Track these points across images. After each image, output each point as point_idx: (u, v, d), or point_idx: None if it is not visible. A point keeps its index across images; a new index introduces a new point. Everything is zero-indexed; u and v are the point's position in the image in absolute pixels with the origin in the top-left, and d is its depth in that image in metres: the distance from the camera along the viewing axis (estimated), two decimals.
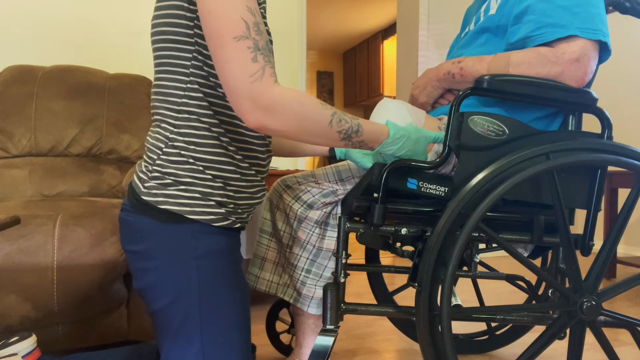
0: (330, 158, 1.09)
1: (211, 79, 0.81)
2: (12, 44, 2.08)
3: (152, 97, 0.86)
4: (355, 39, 6.63)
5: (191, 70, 0.80)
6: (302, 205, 1.13)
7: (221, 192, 0.83)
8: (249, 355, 0.86)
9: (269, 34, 0.87)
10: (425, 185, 0.91)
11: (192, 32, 0.79)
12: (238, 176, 0.86)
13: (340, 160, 1.09)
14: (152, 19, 0.83)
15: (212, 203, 0.82)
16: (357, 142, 0.83)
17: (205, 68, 0.81)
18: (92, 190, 1.71)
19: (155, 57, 0.84)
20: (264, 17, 0.87)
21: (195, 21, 0.79)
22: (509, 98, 0.93)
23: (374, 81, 6.39)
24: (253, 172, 0.89)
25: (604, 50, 0.98)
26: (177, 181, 0.81)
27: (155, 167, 0.83)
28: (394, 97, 5.17)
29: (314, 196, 1.12)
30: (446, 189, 0.91)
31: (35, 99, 1.72)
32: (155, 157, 0.83)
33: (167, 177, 0.81)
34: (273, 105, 0.72)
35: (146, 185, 0.83)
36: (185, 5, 0.78)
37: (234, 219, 0.86)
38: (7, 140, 1.69)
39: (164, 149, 0.82)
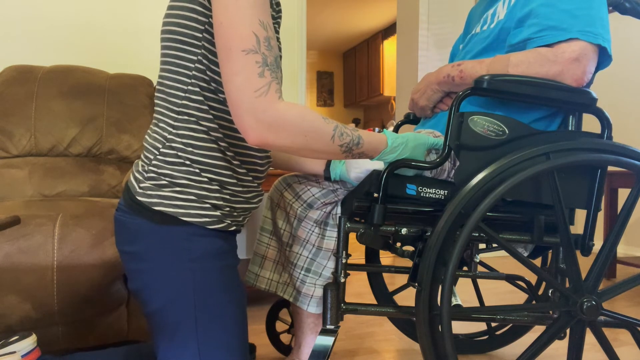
0: (326, 178, 1.09)
1: (213, 83, 0.81)
2: (12, 44, 2.08)
3: (155, 94, 0.86)
4: (355, 39, 6.63)
5: (194, 72, 0.80)
6: (302, 204, 1.13)
7: (217, 195, 0.83)
8: (247, 356, 0.86)
9: (280, 50, 0.86)
10: (425, 189, 0.91)
11: (201, 35, 0.79)
12: (234, 181, 0.85)
13: (336, 180, 1.10)
14: (164, 17, 0.83)
15: (208, 205, 0.82)
16: (357, 154, 0.83)
17: (208, 72, 0.81)
18: (92, 190, 1.71)
19: (162, 56, 0.84)
20: (277, 32, 0.86)
21: (207, 26, 0.79)
22: (508, 98, 0.93)
23: (374, 81, 6.38)
24: (250, 178, 0.89)
25: (604, 56, 0.98)
26: (172, 182, 0.81)
27: (151, 168, 0.82)
28: (394, 98, 5.16)
29: (314, 195, 1.12)
30: (445, 192, 0.91)
31: (35, 99, 1.72)
32: (152, 157, 0.83)
33: (162, 178, 0.81)
34: (276, 121, 0.72)
35: (141, 185, 0.82)
36: (199, 9, 0.78)
37: (229, 221, 0.86)
38: (7, 140, 1.69)
39: (161, 149, 0.82)
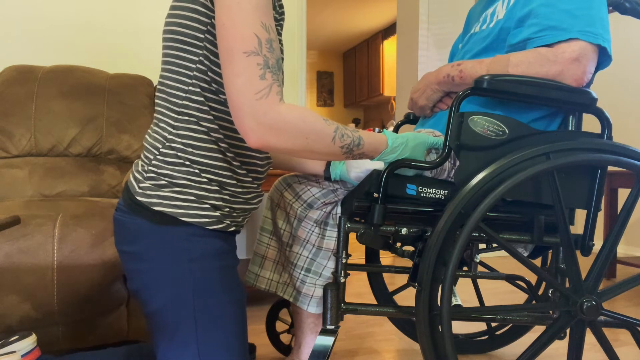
0: (326, 178, 1.09)
1: (214, 84, 0.81)
2: (12, 44, 2.08)
3: (156, 94, 0.86)
4: (355, 39, 6.63)
5: (195, 73, 0.80)
6: (302, 204, 1.13)
7: (216, 195, 0.83)
8: (247, 356, 0.86)
9: (282, 52, 0.86)
10: (425, 189, 0.91)
11: (202, 36, 0.79)
12: (234, 182, 0.85)
13: (336, 180, 1.10)
14: (166, 16, 0.83)
15: (207, 206, 0.82)
16: (357, 155, 0.84)
17: (209, 73, 0.80)
18: (92, 190, 1.71)
19: (163, 55, 0.84)
20: (280, 35, 0.86)
21: (209, 27, 0.79)
22: (508, 98, 0.93)
23: (374, 81, 6.38)
24: (250, 179, 0.89)
25: (604, 56, 0.98)
26: (172, 182, 0.81)
27: (150, 168, 0.82)
28: (394, 98, 5.16)
29: (314, 195, 1.12)
30: (445, 192, 0.91)
31: (35, 99, 1.72)
32: (152, 157, 0.83)
33: (162, 178, 0.81)
34: (277, 124, 0.72)
35: (141, 185, 0.82)
36: (202, 10, 0.78)
37: (228, 222, 0.85)
38: (7, 140, 1.69)
39: (161, 149, 0.82)
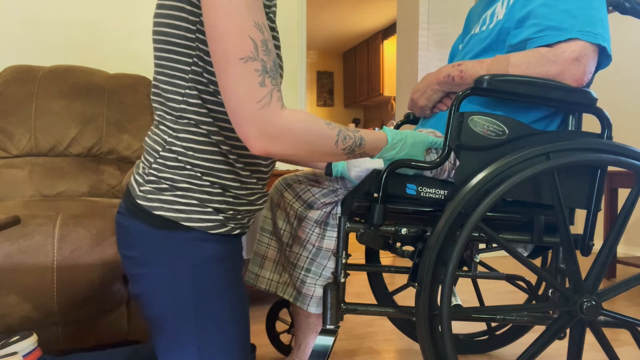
0: (327, 174, 1.09)
1: (211, 86, 0.79)
2: (12, 44, 2.08)
3: (152, 97, 0.83)
4: (355, 39, 6.63)
5: (190, 76, 0.78)
6: (302, 205, 1.13)
7: (220, 198, 0.81)
8: None
9: (278, 48, 0.83)
10: (425, 189, 0.91)
11: (193, 36, 0.76)
12: (238, 184, 0.83)
13: (336, 179, 1.10)
14: (153, 16, 0.80)
15: (210, 210, 0.80)
16: (359, 154, 0.83)
17: (205, 75, 0.78)
18: (92, 190, 1.71)
19: (155, 57, 0.81)
20: (273, 22, 0.82)
21: (198, 25, 0.76)
22: (508, 98, 0.93)
23: (374, 81, 6.38)
24: (254, 180, 0.87)
25: (604, 56, 0.98)
26: (173, 186, 0.79)
27: (151, 171, 0.80)
28: (394, 98, 5.16)
29: (314, 195, 1.12)
30: (445, 192, 0.91)
31: (35, 98, 1.72)
32: (152, 160, 0.81)
33: (163, 181, 0.79)
34: (281, 132, 0.71)
35: (142, 189, 0.80)
36: (188, 7, 0.75)
37: (233, 225, 0.84)
38: (7, 140, 1.69)
39: (161, 152, 0.80)
